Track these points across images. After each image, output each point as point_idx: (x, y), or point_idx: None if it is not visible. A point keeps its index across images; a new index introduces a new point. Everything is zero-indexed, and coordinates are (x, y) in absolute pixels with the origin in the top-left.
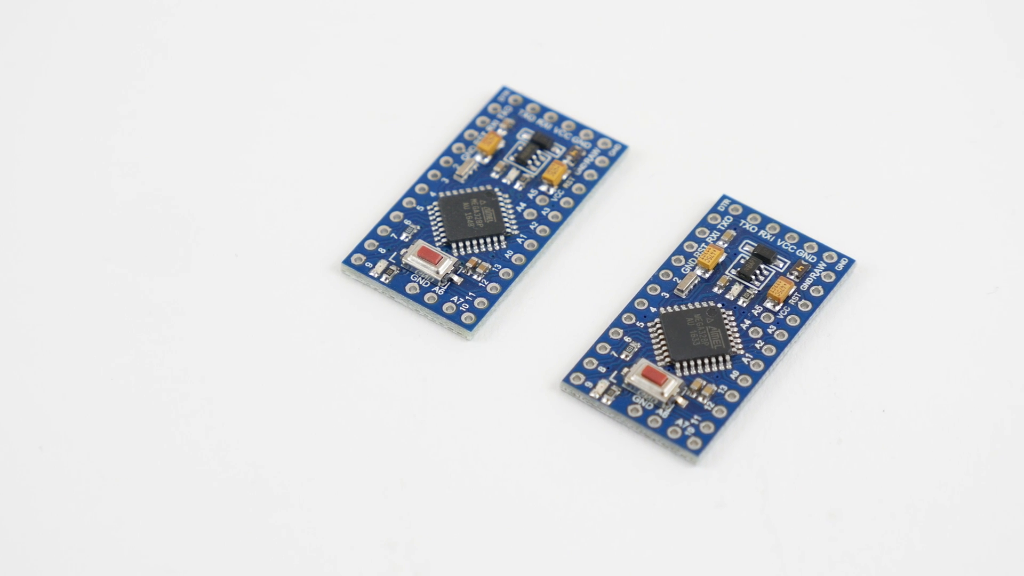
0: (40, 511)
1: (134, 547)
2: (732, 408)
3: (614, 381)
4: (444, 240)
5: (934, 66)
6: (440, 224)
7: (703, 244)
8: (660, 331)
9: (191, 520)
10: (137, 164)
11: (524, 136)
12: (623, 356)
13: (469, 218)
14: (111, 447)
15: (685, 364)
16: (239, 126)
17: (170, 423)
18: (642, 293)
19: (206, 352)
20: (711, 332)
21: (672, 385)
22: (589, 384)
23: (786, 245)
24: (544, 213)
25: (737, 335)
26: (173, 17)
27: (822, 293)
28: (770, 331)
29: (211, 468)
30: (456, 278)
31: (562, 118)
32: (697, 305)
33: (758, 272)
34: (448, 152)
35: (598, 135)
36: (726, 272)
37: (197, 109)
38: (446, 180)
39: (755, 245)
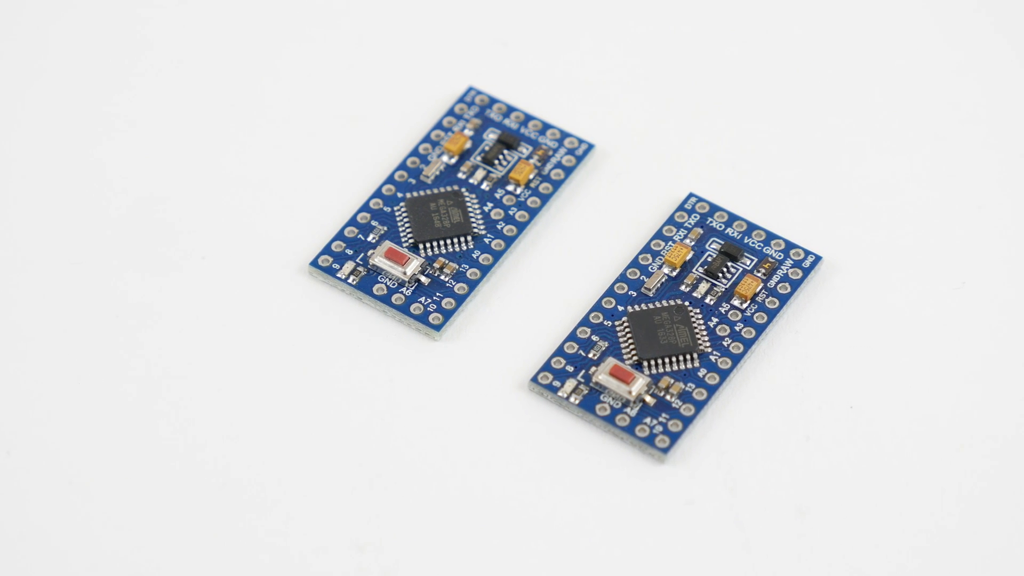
0: (4, 516)
1: (100, 548)
2: (700, 406)
3: (582, 380)
4: (411, 241)
5: (899, 63)
6: (407, 225)
7: (670, 242)
8: (627, 330)
9: (159, 522)
10: (104, 167)
11: (491, 136)
12: (591, 355)
13: (436, 219)
14: (78, 450)
15: (653, 362)
16: (205, 129)
17: (138, 426)
18: (609, 292)
19: (174, 354)
20: (678, 330)
21: (640, 384)
22: (557, 383)
23: (753, 242)
24: (511, 213)
25: (704, 333)
26: (142, 21)
27: (789, 290)
28: (737, 329)
29: (179, 471)
30: (423, 279)
31: (529, 118)
32: (664, 303)
33: (725, 270)
34: (415, 153)
35: (565, 134)
36: (693, 270)
37: (164, 112)
38: (413, 181)
39: (722, 243)
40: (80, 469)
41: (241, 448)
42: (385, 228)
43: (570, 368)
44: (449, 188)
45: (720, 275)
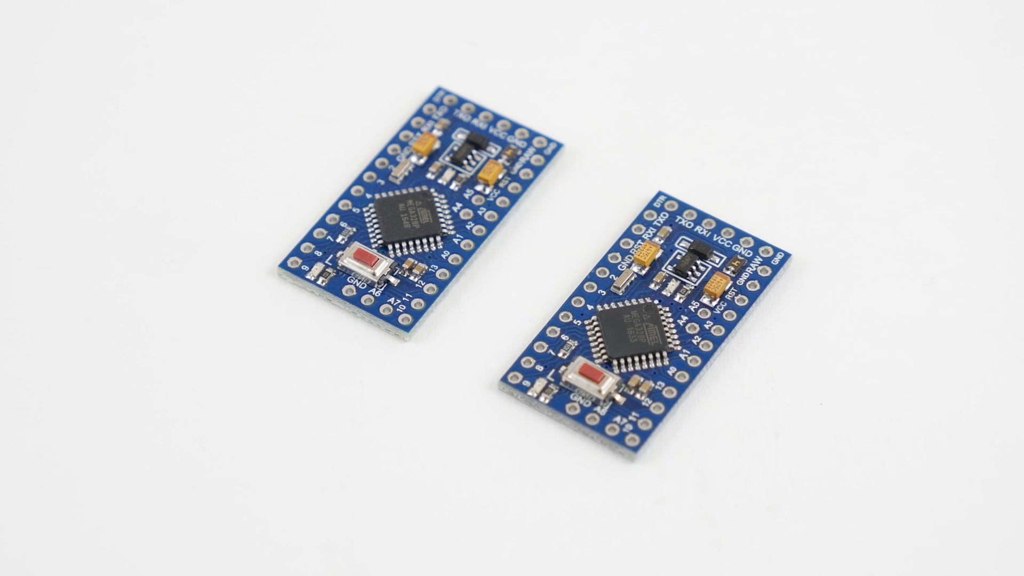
0: None
1: (63, 548)
2: (670, 404)
3: (552, 380)
4: (380, 242)
5: (866, 60)
6: (376, 226)
7: (639, 241)
8: (597, 329)
9: (128, 525)
10: (75, 172)
11: (459, 136)
12: (560, 354)
13: (405, 219)
14: (47, 452)
15: (622, 361)
16: (174, 132)
17: (107, 429)
18: (579, 291)
19: (144, 357)
20: (648, 329)
21: (609, 382)
22: (527, 383)
23: (722, 240)
24: (480, 213)
25: (674, 331)
26: (112, 25)
27: (758, 288)
28: (707, 327)
29: (149, 473)
30: (393, 279)
31: (497, 117)
32: (634, 302)
33: (695, 268)
34: (383, 154)
35: (533, 134)
36: (663, 268)
37: (133, 116)
38: (382, 182)
39: (691, 241)
40: (49, 472)
41: (211, 450)
42: (354, 229)
43: (540, 368)
44: (418, 189)
45: (689, 273)
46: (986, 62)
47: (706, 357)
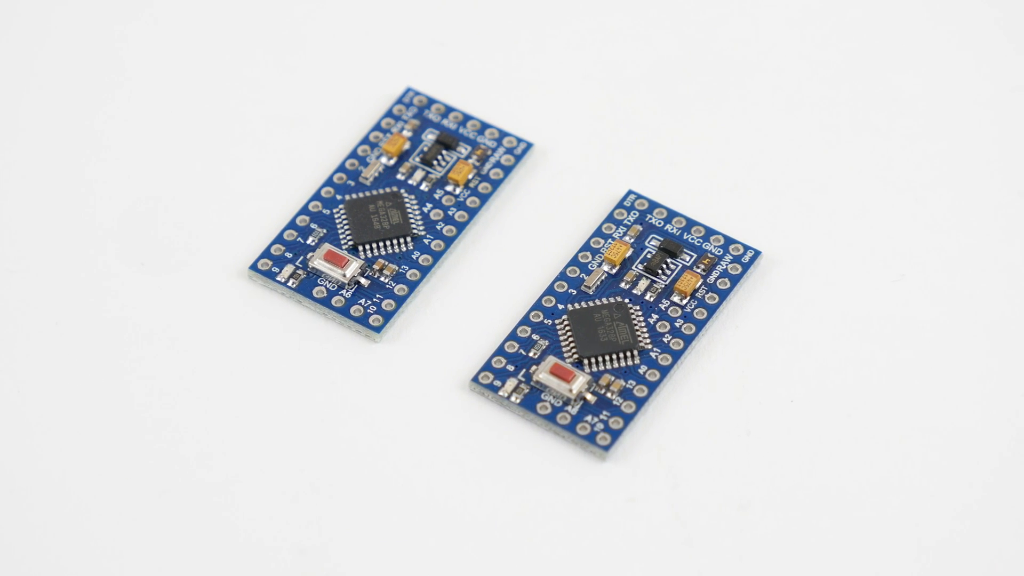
0: None
1: (31, 554)
2: (641, 403)
3: (522, 379)
4: (351, 243)
5: (834, 57)
6: (346, 227)
7: (609, 240)
8: (568, 328)
9: (95, 527)
10: (42, 176)
11: (429, 137)
12: (531, 354)
13: (375, 220)
14: (14, 457)
15: (593, 360)
16: (143, 135)
17: (73, 431)
18: (549, 290)
19: (113, 360)
20: (619, 328)
21: (580, 381)
22: (498, 383)
23: (692, 239)
24: (451, 213)
25: (645, 330)
26: (77, 29)
27: (729, 286)
28: (677, 325)
29: (116, 475)
30: (363, 281)
31: (467, 118)
32: (604, 301)
33: (665, 266)
34: (353, 155)
35: (503, 134)
36: (633, 267)
37: (101, 119)
38: (352, 183)
39: (661, 239)
40: (13, 475)
41: (181, 452)
42: (324, 231)
43: (511, 367)
44: (388, 189)
45: (660, 272)
46: (953, 59)
47: (677, 355)
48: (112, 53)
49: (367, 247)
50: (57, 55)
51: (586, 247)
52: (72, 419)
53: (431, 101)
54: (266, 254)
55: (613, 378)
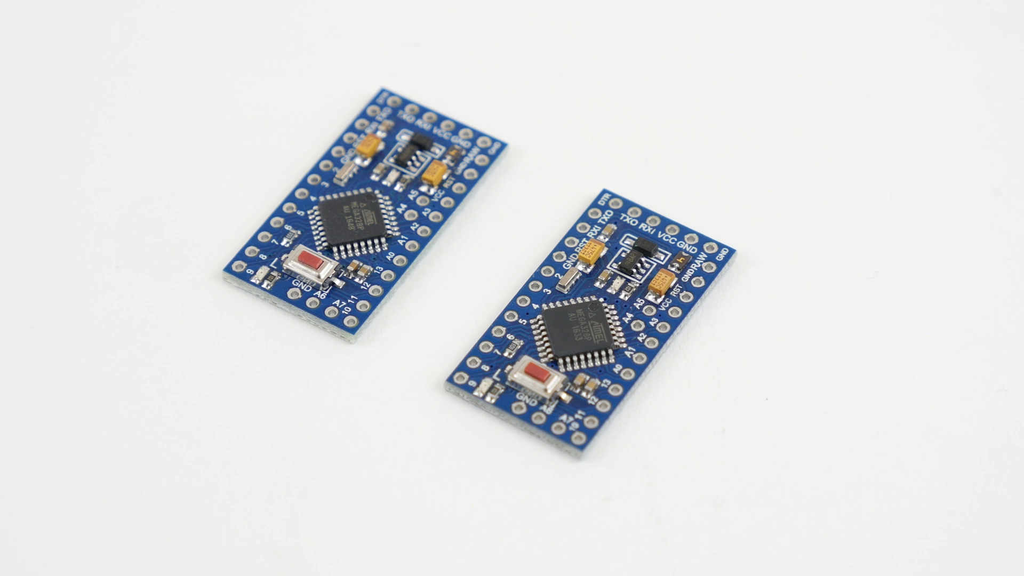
0: None
1: (10, 560)
2: (616, 402)
3: (497, 379)
4: (325, 244)
5: (808, 54)
6: (321, 228)
7: (584, 239)
8: (542, 327)
9: (73, 533)
10: (13, 177)
11: (403, 137)
12: (506, 354)
13: (350, 221)
14: None
15: (568, 359)
16: (115, 134)
17: (49, 438)
18: (524, 290)
19: (87, 363)
20: (593, 327)
21: (555, 381)
22: (473, 383)
23: (667, 237)
24: (425, 214)
25: (619, 329)
26: (48, 24)
27: (703, 284)
28: (652, 323)
29: (91, 481)
30: (338, 282)
31: (441, 118)
32: (579, 300)
33: (639, 265)
34: (327, 156)
35: (477, 134)
36: (607, 266)
37: (75, 115)
38: (326, 184)
39: (636, 238)
40: None
41: (156, 454)
42: (299, 232)
43: (486, 367)
44: (362, 190)
45: (634, 271)
46: (927, 57)
47: (652, 354)
48: (85, 58)
49: (342, 248)
50: (36, 61)
51: (560, 246)
52: (45, 421)
53: (405, 102)
54: (240, 256)
55: (588, 377)
